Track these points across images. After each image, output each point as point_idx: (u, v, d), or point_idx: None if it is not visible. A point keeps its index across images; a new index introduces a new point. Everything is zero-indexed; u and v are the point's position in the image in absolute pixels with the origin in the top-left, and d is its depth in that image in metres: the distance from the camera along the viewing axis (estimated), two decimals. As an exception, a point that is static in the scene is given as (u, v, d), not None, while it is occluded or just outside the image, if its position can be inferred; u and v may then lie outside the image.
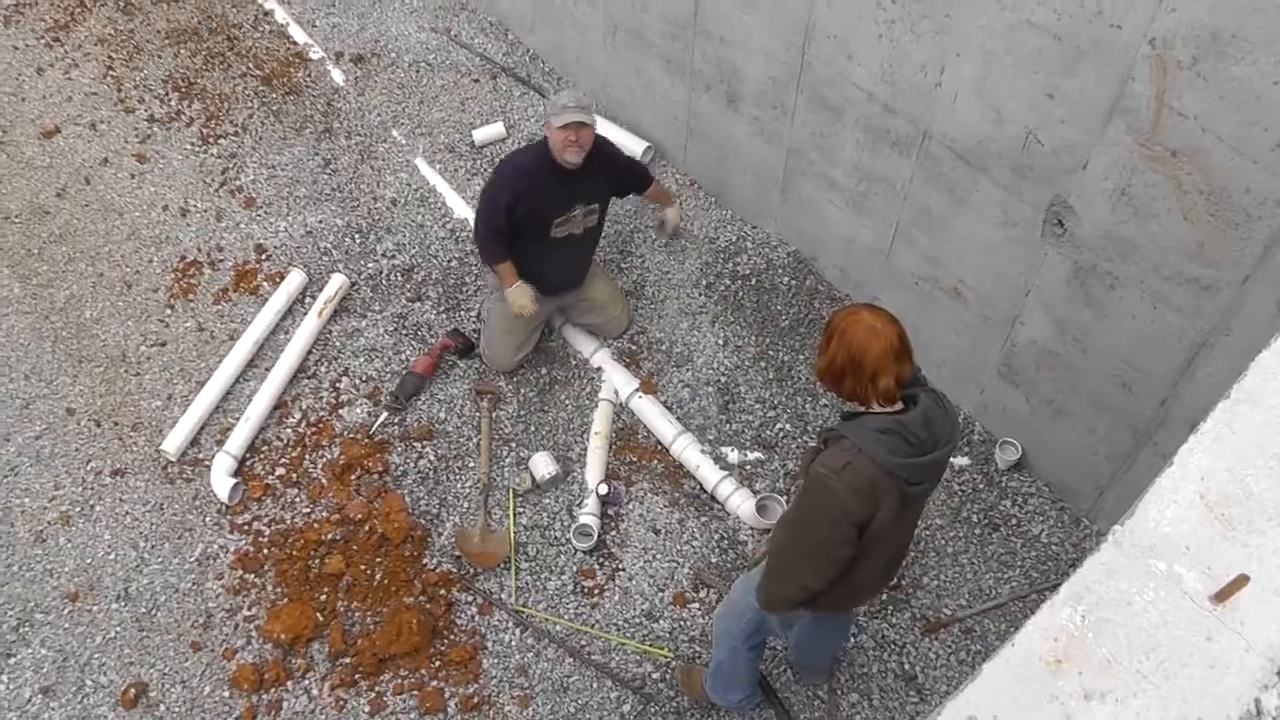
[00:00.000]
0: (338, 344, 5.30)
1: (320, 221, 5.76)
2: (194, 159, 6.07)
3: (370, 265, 5.58)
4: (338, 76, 6.44)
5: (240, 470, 4.90)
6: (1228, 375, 2.62)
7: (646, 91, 5.71)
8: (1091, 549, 2.12)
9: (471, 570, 4.62)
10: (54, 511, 4.82)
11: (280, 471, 4.91)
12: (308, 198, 5.87)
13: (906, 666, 4.35)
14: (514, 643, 4.45)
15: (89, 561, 4.69)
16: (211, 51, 6.61)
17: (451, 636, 4.46)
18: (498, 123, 6.08)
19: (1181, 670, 1.95)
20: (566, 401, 5.12)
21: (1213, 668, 1.95)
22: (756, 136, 5.14)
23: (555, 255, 4.87)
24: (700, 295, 5.39)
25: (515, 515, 4.75)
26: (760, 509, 4.65)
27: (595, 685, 4.33)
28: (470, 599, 4.55)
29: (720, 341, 5.22)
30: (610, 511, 4.76)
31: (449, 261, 5.59)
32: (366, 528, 4.71)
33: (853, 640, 4.39)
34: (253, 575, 4.63)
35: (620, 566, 4.62)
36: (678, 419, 4.97)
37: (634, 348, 5.25)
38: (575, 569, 4.62)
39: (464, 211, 5.76)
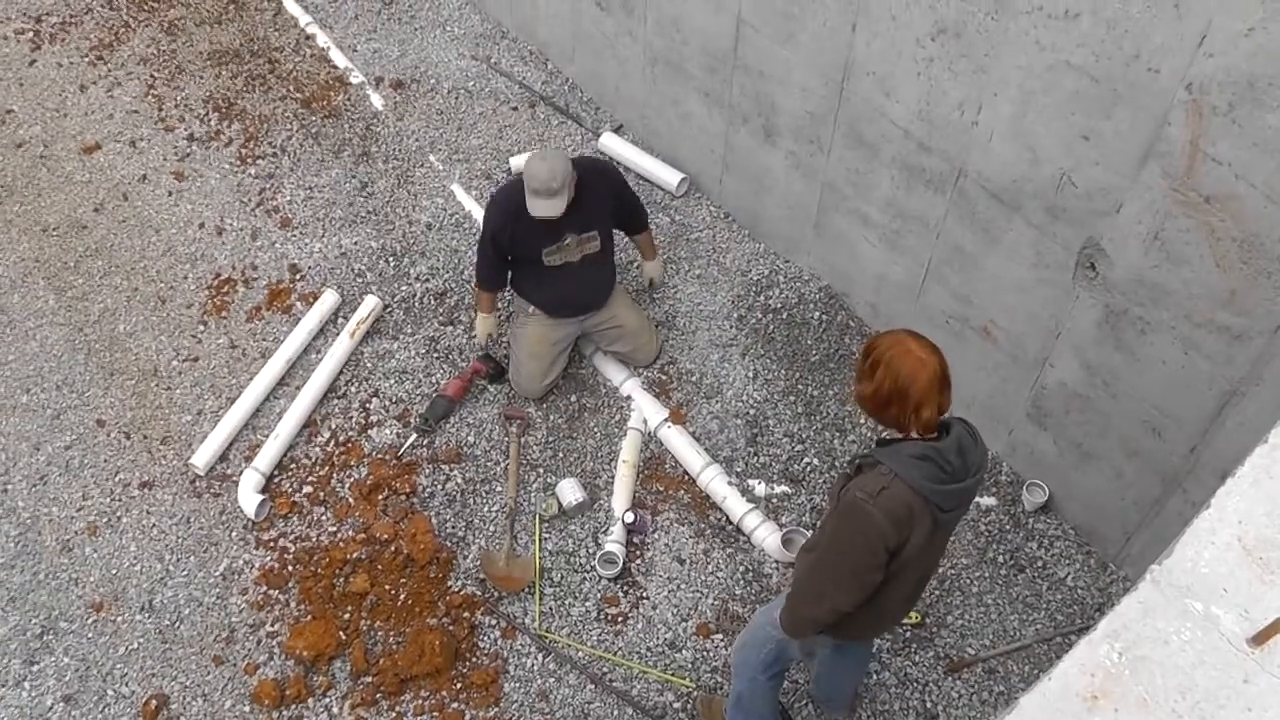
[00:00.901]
0: (369, 365, 5.34)
1: (355, 243, 5.82)
2: (232, 178, 6.15)
3: (404, 288, 5.62)
4: (377, 101, 6.52)
5: (268, 487, 4.94)
6: (1259, 424, 2.63)
7: (684, 123, 5.76)
8: (1121, 590, 2.13)
9: (495, 594, 4.62)
10: (81, 521, 4.86)
11: (308, 490, 4.94)
12: (343, 219, 5.93)
13: (929, 705, 4.33)
14: (536, 667, 4.44)
15: (114, 572, 4.72)
16: (252, 73, 6.71)
17: (474, 659, 4.47)
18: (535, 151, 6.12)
19: (1218, 711, 1.94)
20: (595, 429, 5.13)
21: (1250, 710, 1.95)
22: (792, 171, 5.17)
23: (559, 280, 4.89)
24: (731, 328, 5.41)
25: (541, 540, 4.76)
26: (785, 542, 4.65)
27: (616, 713, 4.32)
28: (494, 622, 4.56)
29: (750, 374, 5.24)
30: (636, 540, 4.76)
31: (481, 287, 5.63)
32: (392, 548, 4.73)
33: (874, 677, 4.37)
34: (277, 591, 4.65)
35: (644, 595, 4.62)
36: (706, 450, 4.98)
37: (664, 378, 5.27)
38: (599, 596, 4.62)
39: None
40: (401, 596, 4.61)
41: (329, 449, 5.06)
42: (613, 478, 4.93)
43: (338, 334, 5.38)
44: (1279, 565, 2.13)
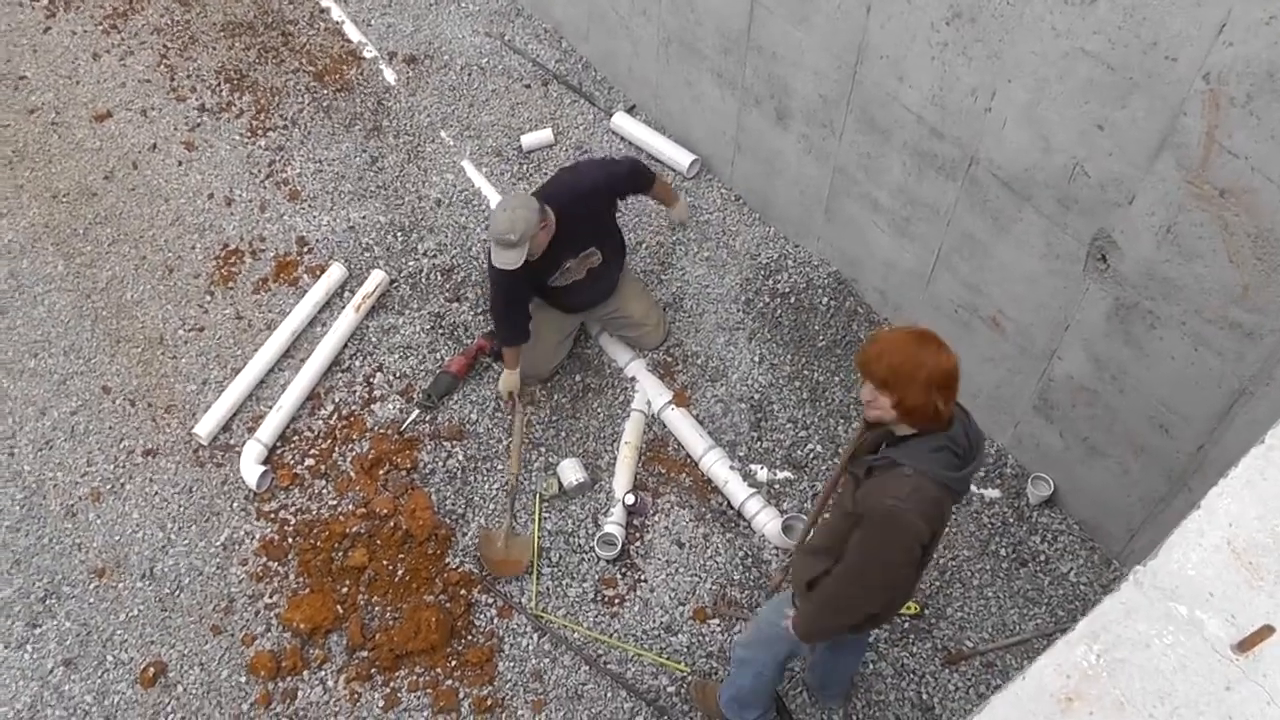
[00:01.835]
0: (374, 339, 5.33)
1: (363, 217, 5.80)
2: (242, 150, 6.13)
3: (411, 263, 5.60)
4: (389, 76, 6.49)
5: (270, 458, 4.94)
6: (1269, 424, 2.58)
7: (696, 104, 5.70)
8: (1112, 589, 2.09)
9: (492, 576, 4.62)
10: (85, 487, 4.89)
11: (309, 462, 4.94)
12: (353, 193, 5.91)
13: (925, 697, 4.30)
14: (531, 647, 4.44)
15: (117, 539, 4.74)
16: (265, 46, 6.68)
17: (469, 637, 4.46)
18: (547, 129, 6.09)
19: (1197, 718, 1.90)
20: (599, 409, 5.11)
21: (1230, 718, 1.91)
22: (804, 154, 5.12)
23: (566, 294, 4.89)
24: (739, 311, 5.37)
25: (540, 519, 4.75)
26: (785, 529, 4.61)
27: (609, 695, 4.32)
28: (490, 601, 4.55)
29: (756, 358, 5.20)
30: (636, 522, 4.74)
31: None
32: (391, 523, 4.73)
33: (870, 667, 4.34)
34: (276, 563, 4.66)
35: (642, 578, 4.60)
36: (709, 434, 4.95)
37: (669, 360, 5.24)
38: (597, 577, 4.60)
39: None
40: (399, 572, 4.61)
41: (332, 422, 5.06)
42: (615, 459, 4.91)
43: (343, 307, 5.37)
44: (1269, 570, 2.08)
